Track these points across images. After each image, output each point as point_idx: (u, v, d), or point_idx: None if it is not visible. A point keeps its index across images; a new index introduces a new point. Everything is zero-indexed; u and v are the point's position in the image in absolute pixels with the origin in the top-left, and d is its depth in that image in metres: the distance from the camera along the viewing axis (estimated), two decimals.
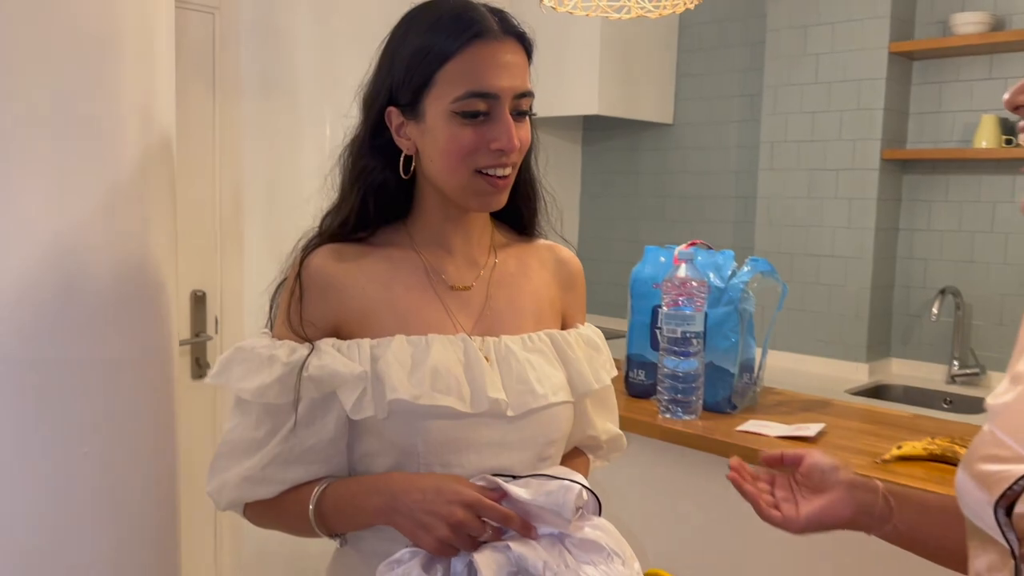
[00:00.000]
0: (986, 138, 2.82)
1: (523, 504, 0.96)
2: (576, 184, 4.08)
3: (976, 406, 2.67)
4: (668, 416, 1.80)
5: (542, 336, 1.11)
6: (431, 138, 1.02)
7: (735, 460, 1.04)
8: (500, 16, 1.03)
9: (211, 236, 2.78)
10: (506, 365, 1.05)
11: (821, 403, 1.96)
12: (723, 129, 3.55)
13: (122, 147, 1.18)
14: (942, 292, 2.91)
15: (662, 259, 1.94)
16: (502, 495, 0.97)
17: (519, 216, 1.18)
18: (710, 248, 1.94)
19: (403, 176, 1.07)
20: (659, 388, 1.81)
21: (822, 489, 0.99)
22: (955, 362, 2.97)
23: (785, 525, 0.99)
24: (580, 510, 0.99)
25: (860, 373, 3.03)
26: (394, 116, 1.05)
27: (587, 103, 3.39)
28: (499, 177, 1.03)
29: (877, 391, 2.96)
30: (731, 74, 3.51)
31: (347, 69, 2.93)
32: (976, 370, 2.93)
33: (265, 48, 2.82)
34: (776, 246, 3.23)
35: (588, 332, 1.18)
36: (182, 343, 2.70)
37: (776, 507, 1.00)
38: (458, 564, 0.95)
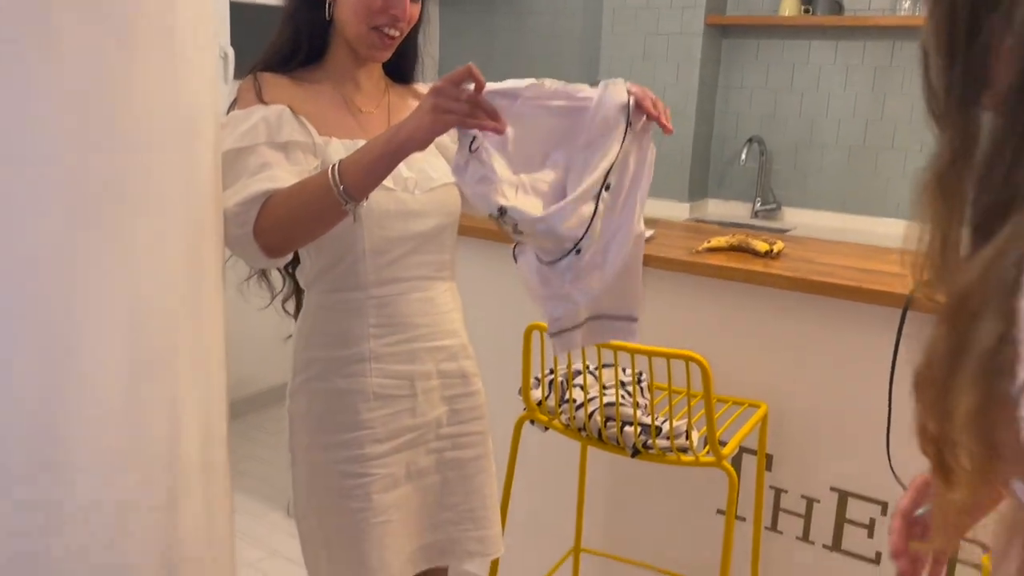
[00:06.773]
0: (789, 7, 3.32)
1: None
2: (435, 46, 4.33)
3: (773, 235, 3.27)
4: None
5: None
6: None
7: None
8: None
9: None
10: (408, 160, 1.31)
11: (651, 220, 2.44)
12: None
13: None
14: (749, 141, 3.47)
15: None
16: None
17: (402, 71, 1.51)
18: None
19: (326, 18, 1.35)
20: None
21: None
22: (758, 200, 3.58)
23: None
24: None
25: (682, 211, 3.58)
26: None
27: None
28: (389, 36, 1.35)
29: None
30: None
31: None
32: (774, 206, 3.55)
33: None
34: None
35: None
36: None
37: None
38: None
